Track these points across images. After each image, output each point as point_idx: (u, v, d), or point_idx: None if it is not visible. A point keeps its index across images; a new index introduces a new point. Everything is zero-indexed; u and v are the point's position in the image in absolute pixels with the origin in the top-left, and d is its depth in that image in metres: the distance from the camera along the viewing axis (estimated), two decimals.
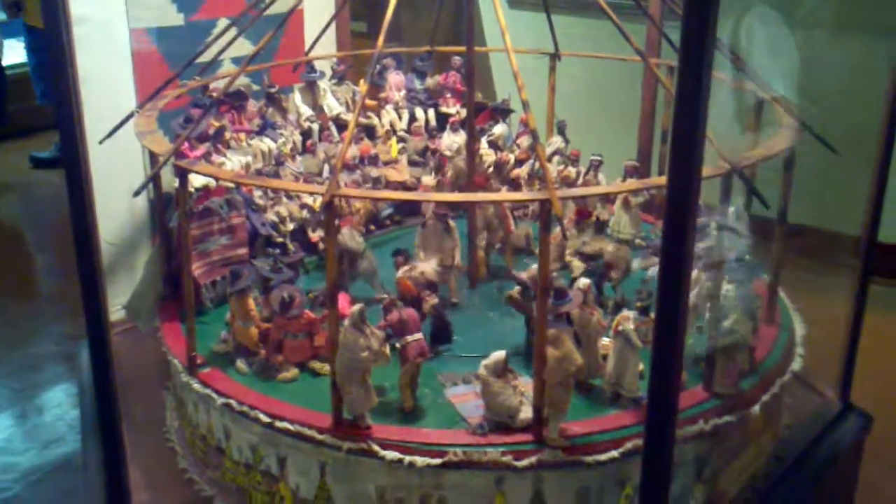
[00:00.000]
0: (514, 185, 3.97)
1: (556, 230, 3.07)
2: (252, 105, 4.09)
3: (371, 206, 4.00)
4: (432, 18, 4.47)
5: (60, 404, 4.58)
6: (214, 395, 2.86)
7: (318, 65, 4.31)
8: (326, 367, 2.81)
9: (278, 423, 2.70)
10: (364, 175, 3.97)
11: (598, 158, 3.94)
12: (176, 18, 4.11)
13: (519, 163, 4.07)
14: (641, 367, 2.75)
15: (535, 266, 2.95)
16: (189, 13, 4.15)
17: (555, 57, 4.30)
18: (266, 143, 3.88)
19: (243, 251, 3.49)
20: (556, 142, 4.18)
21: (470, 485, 2.58)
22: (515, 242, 3.61)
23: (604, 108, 5.71)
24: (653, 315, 2.07)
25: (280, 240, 3.63)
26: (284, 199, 3.70)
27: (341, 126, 4.27)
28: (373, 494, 2.64)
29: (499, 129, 4.29)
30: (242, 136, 3.87)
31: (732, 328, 2.79)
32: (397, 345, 2.76)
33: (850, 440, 3.35)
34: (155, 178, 3.14)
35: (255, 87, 4.29)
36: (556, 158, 4.10)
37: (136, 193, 2.99)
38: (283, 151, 3.89)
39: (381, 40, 2.78)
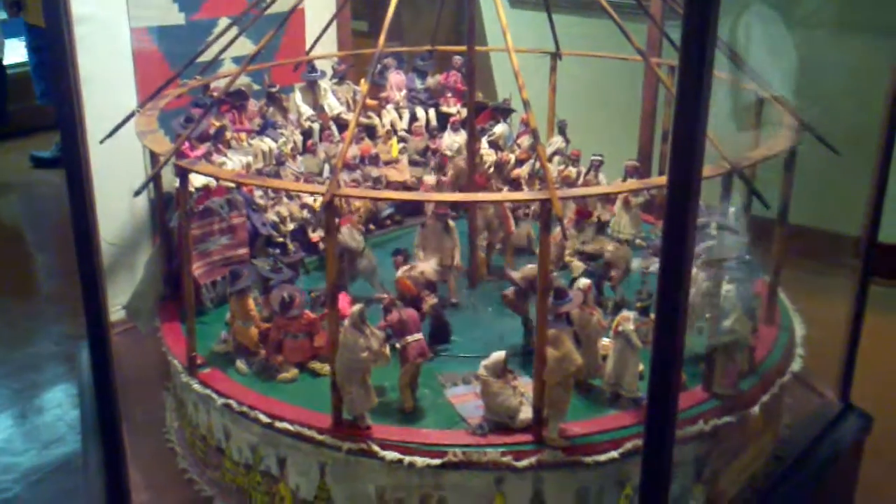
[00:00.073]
0: (515, 184, 3.96)
1: (557, 230, 3.06)
2: (253, 105, 4.09)
3: (371, 205, 4.00)
4: (433, 18, 4.46)
5: (60, 404, 4.58)
6: (214, 396, 2.86)
7: (318, 64, 4.30)
8: (326, 368, 2.81)
9: (278, 424, 2.69)
10: (364, 175, 3.97)
11: (599, 158, 3.94)
12: (177, 18, 4.12)
13: (519, 162, 4.06)
14: (641, 367, 2.75)
15: (528, 266, 2.96)
16: (190, 12, 4.15)
17: (556, 56, 4.30)
18: (267, 143, 3.88)
19: (244, 251, 3.48)
20: (557, 141, 4.17)
21: (470, 485, 2.57)
22: (517, 242, 3.60)
23: (604, 107, 5.71)
24: (653, 315, 2.07)
25: (280, 240, 3.63)
26: (285, 199, 3.70)
27: (342, 126, 4.26)
28: (373, 495, 2.64)
29: (499, 128, 4.29)
30: (243, 135, 3.86)
31: (732, 328, 2.79)
32: (397, 345, 2.76)
33: (850, 440, 3.35)
34: (155, 178, 3.13)
35: (256, 87, 4.29)
36: (556, 158, 4.10)
37: (137, 193, 3.00)
38: (284, 151, 3.89)
39: (381, 40, 2.78)
